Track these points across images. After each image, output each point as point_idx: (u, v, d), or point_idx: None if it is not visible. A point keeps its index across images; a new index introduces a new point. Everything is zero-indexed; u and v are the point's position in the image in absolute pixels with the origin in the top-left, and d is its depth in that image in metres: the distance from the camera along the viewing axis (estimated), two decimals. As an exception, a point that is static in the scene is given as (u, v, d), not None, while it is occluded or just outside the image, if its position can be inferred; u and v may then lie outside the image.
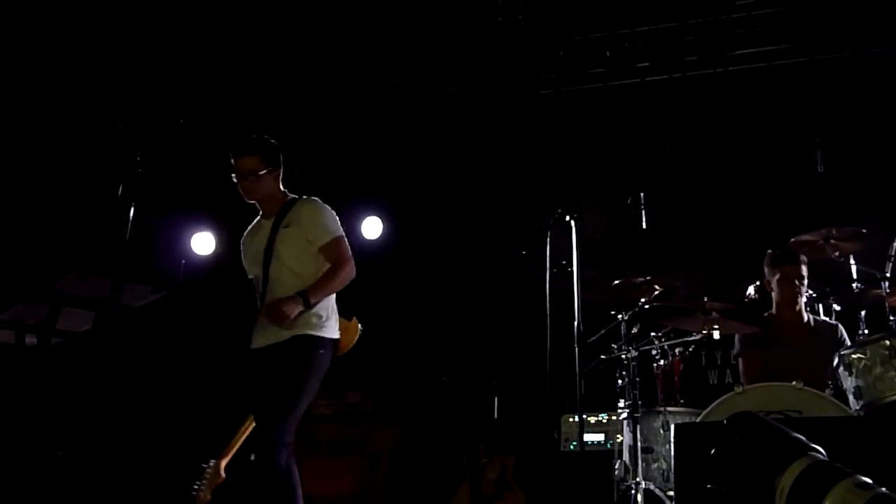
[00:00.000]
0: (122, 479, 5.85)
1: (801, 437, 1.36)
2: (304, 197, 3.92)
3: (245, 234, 4.02)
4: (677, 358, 5.20)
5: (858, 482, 1.33)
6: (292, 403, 3.53)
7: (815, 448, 1.38)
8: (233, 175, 3.78)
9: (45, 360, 3.95)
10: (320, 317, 3.71)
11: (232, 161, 3.80)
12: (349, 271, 3.77)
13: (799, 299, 4.75)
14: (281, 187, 3.93)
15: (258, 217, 3.99)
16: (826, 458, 1.35)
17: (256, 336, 3.76)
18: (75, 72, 7.21)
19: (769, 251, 4.93)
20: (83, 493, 4.03)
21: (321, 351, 3.66)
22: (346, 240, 3.86)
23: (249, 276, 3.94)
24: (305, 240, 3.75)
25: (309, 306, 3.61)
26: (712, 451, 1.39)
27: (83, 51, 6.99)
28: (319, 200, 3.91)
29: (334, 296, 3.84)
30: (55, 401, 4.14)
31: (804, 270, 4.77)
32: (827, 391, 4.30)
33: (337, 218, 3.89)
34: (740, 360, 4.88)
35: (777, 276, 4.80)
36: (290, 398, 3.53)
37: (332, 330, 3.76)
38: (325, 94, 7.45)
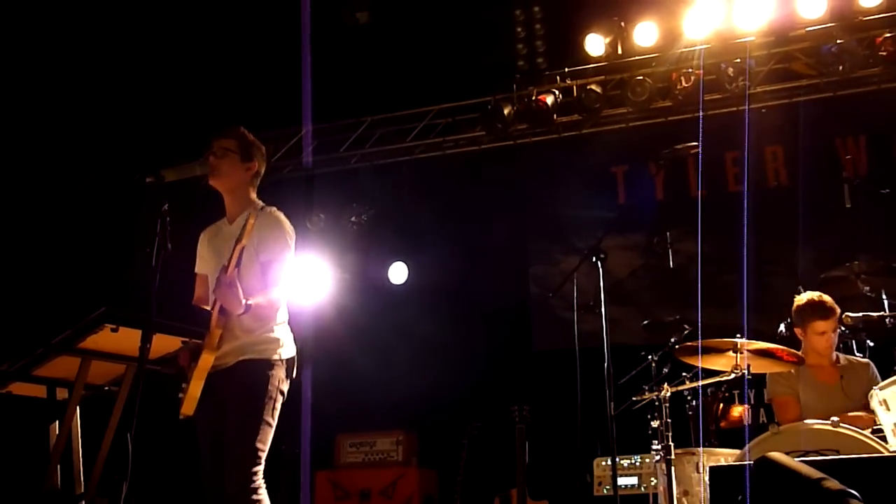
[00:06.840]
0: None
1: (835, 481, 1.33)
2: (269, 208, 3.72)
3: (204, 233, 3.85)
4: (709, 398, 5.13)
5: None
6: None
7: (850, 493, 1.35)
8: (210, 157, 3.64)
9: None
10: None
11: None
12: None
13: (830, 352, 4.63)
14: (252, 193, 3.76)
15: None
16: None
17: None
18: (106, 127, 7.39)
19: (803, 299, 4.74)
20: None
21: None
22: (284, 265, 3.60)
23: (200, 272, 3.81)
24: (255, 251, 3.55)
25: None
26: (738, 498, 1.37)
27: (113, 105, 7.17)
28: (282, 215, 3.70)
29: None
30: (86, 454, 4.16)
31: (836, 324, 4.60)
32: (869, 430, 4.20)
33: (292, 238, 3.66)
34: (773, 401, 4.78)
35: (808, 328, 4.65)
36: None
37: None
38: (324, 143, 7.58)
